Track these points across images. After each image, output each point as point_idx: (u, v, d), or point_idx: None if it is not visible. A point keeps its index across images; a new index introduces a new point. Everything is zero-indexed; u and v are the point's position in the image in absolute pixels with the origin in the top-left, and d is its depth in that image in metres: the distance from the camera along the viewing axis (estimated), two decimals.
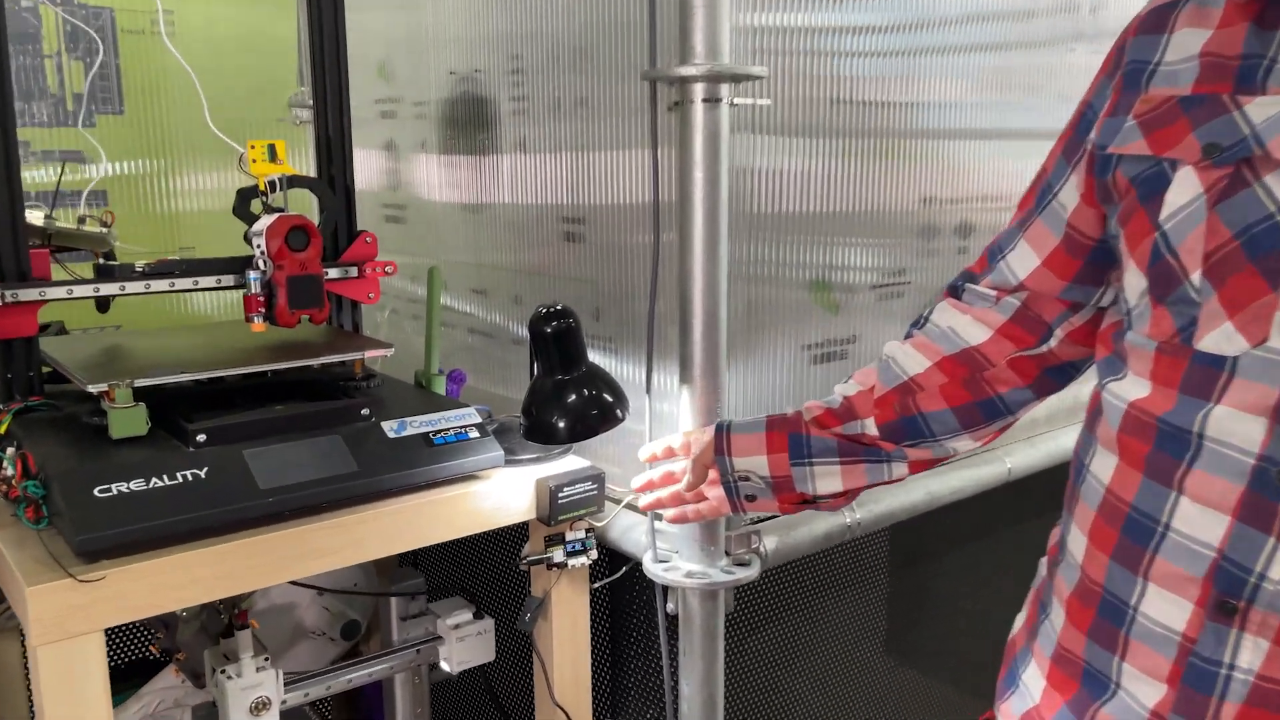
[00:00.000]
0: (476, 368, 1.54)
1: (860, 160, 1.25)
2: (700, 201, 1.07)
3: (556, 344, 1.08)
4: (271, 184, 1.28)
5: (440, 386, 1.31)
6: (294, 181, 1.30)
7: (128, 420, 1.05)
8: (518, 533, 1.40)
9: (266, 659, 1.22)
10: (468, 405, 1.21)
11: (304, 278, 1.23)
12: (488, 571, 1.55)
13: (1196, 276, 0.67)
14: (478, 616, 1.36)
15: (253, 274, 1.22)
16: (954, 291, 0.94)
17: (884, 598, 1.55)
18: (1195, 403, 0.67)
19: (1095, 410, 0.78)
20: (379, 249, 1.37)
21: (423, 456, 1.12)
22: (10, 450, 1.04)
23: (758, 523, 1.22)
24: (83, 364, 1.14)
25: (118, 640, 1.62)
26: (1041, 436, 1.56)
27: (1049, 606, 0.82)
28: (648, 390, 1.13)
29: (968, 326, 0.90)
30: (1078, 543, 0.78)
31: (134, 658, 1.61)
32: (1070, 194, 0.81)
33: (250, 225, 1.26)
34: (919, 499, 1.37)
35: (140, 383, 1.07)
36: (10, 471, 1.01)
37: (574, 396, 1.09)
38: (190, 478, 1.00)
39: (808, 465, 0.96)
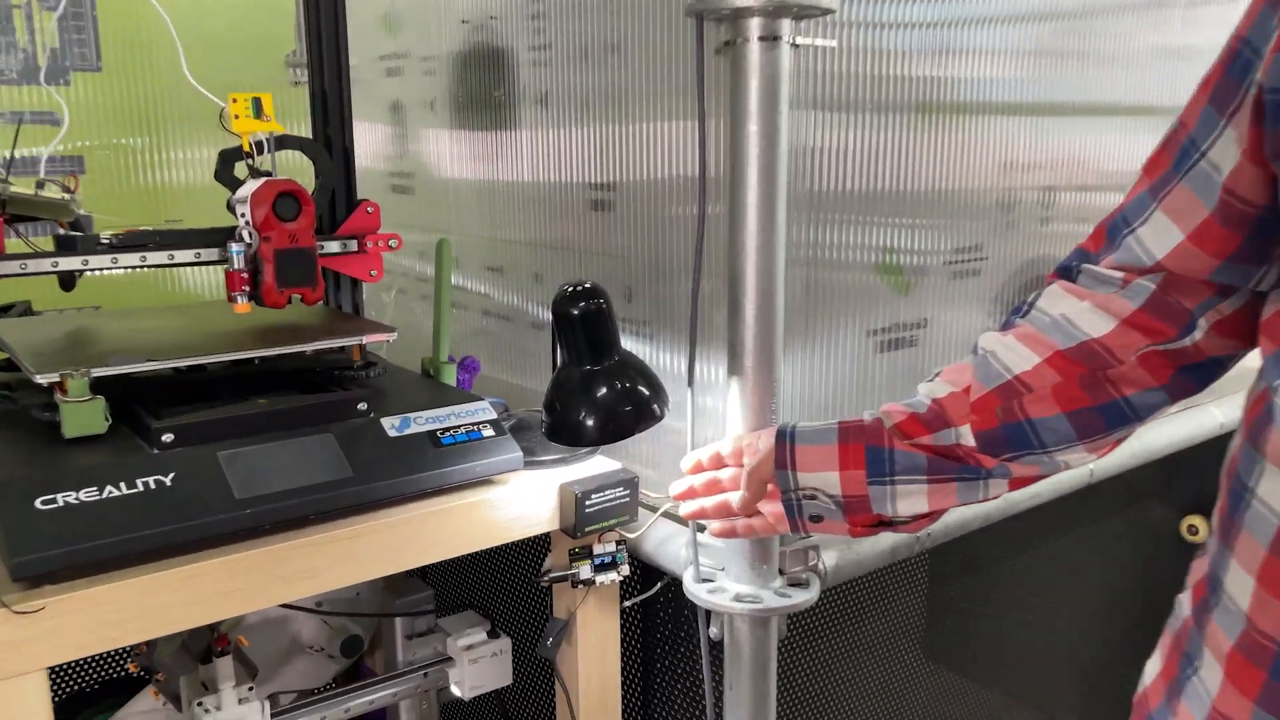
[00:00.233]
0: (492, 355, 1.39)
1: (928, 133, 1.08)
2: (754, 159, 0.90)
3: (584, 328, 0.92)
4: (258, 144, 1.12)
5: (450, 376, 1.15)
6: (284, 142, 1.14)
7: (82, 416, 0.89)
8: (538, 544, 1.25)
9: (251, 688, 1.07)
10: (481, 398, 1.05)
11: (294, 251, 1.07)
12: (504, 584, 1.40)
13: None
14: (493, 635, 1.21)
15: (235, 247, 1.07)
16: (1066, 273, 0.77)
17: (924, 608, 1.40)
18: None
19: (1262, 418, 0.62)
20: (383, 221, 1.21)
21: (429, 459, 0.96)
22: None
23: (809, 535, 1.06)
24: (37, 349, 0.99)
25: (92, 656, 1.48)
26: None
27: (1197, 659, 0.66)
28: (690, 382, 0.97)
29: (1086, 315, 0.74)
30: (1240, 585, 0.62)
31: (110, 675, 1.47)
32: (1226, 151, 0.64)
33: (234, 192, 1.10)
34: (994, 506, 1.20)
35: (99, 372, 0.91)
36: None
37: (605, 390, 0.93)
38: (152, 485, 0.84)
39: (889, 484, 0.81)
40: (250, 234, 1.07)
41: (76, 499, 0.81)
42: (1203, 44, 1.35)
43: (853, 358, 1.07)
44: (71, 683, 1.46)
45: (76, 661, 1.42)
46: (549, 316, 0.98)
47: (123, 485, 0.83)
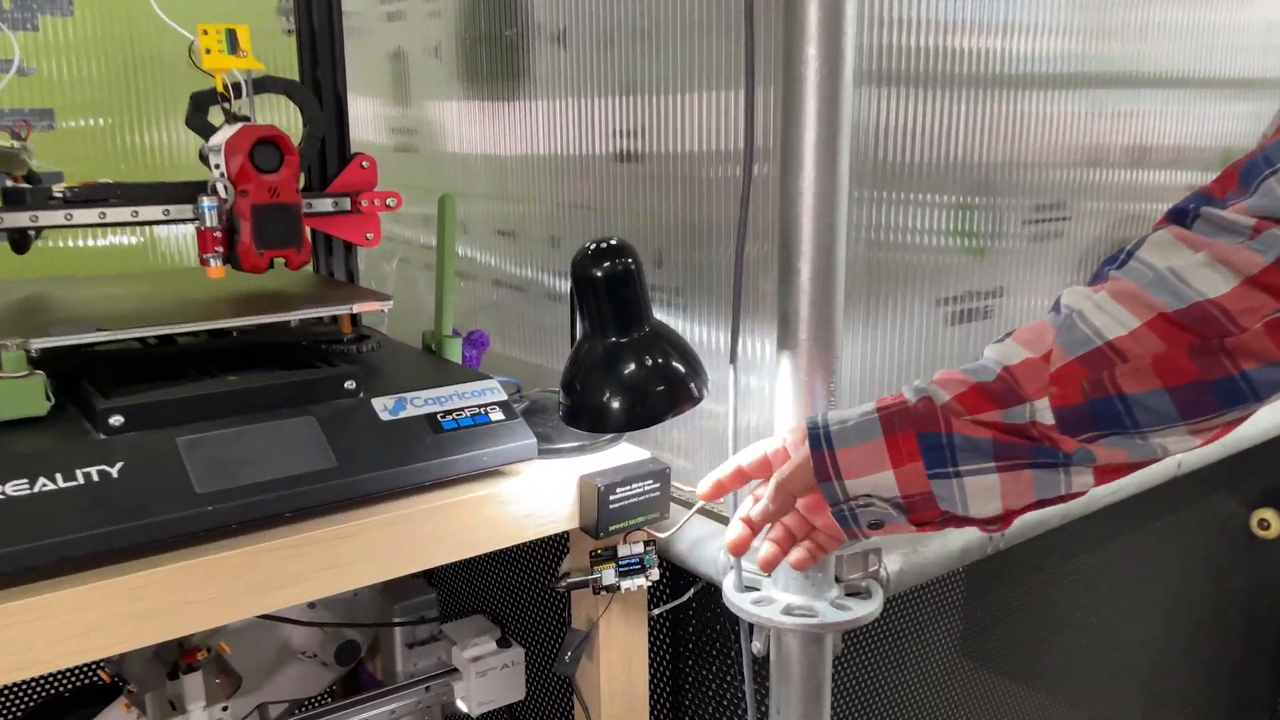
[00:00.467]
0: (503, 330, 1.25)
1: (1007, 104, 0.94)
2: (812, 89, 0.75)
3: (609, 293, 0.77)
4: (235, 86, 0.98)
5: (455, 352, 1.01)
6: (264, 84, 1.00)
7: (18, 395, 0.76)
8: (555, 544, 1.11)
9: (225, 707, 0.94)
10: (490, 377, 0.91)
11: (275, 207, 0.93)
12: (517, 587, 1.26)
13: None
14: (503, 644, 1.07)
15: (207, 202, 0.93)
16: (1179, 217, 0.63)
17: (980, 613, 1.26)
18: None
19: None
20: (382, 181, 1.07)
21: (427, 446, 0.83)
22: None
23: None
24: None
25: None
26: None
27: None
28: (732, 359, 0.83)
29: (1201, 270, 0.59)
30: None
31: (82, 682, 1.34)
32: None
33: (207, 140, 0.97)
34: (1072, 503, 1.05)
35: (40, 343, 0.78)
36: None
37: (633, 366, 0.79)
38: (95, 477, 0.71)
39: (954, 478, 0.66)
40: (225, 187, 0.93)
41: (4, 493, 0.68)
42: None
43: (921, 330, 0.92)
44: (42, 689, 1.34)
45: None
46: (567, 285, 0.84)
47: (59, 477, 0.70)
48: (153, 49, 1.40)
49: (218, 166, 0.94)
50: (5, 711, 1.37)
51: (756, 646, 0.89)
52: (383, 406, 0.84)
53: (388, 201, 1.08)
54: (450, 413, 0.86)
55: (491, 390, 0.89)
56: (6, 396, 0.75)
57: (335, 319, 0.98)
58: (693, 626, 1.02)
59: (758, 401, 0.91)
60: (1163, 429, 0.62)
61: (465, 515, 0.83)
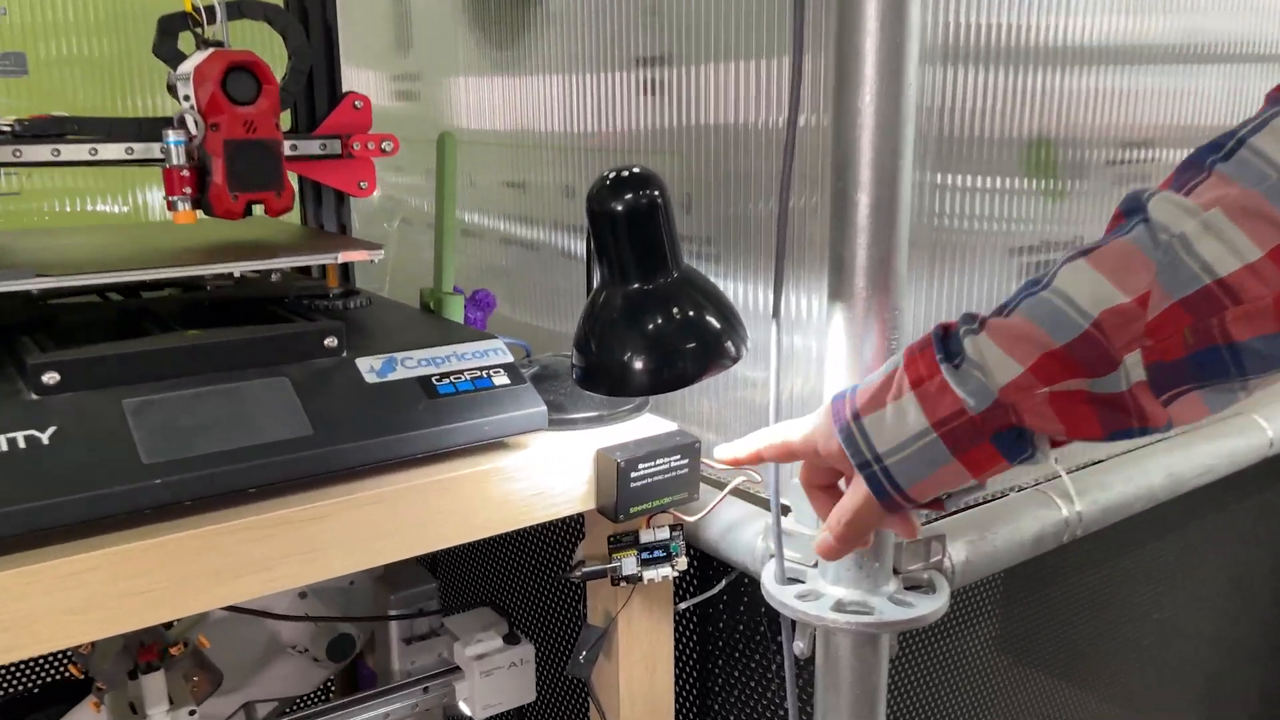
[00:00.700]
0: (513, 293, 1.13)
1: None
2: None
3: (632, 231, 0.65)
4: (208, 9, 0.86)
5: (456, 311, 0.89)
6: (242, 8, 0.88)
7: None
8: (569, 528, 1.00)
9: (193, 711, 0.83)
10: (495, 337, 0.79)
11: (251, 144, 0.82)
12: (526, 576, 1.15)
13: None
14: (511, 640, 0.96)
15: (173, 137, 0.81)
16: None
17: (1039, 611, 1.13)
18: None
19: None
20: (384, 130, 0.96)
21: (419, 413, 0.71)
22: None
23: (932, 520, 0.80)
24: None
25: (29, 660, 1.25)
26: None
27: None
28: (775, 311, 0.70)
29: None
30: None
31: (52, 678, 1.24)
32: None
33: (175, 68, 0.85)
34: (1158, 483, 0.93)
35: None
36: None
37: (659, 319, 0.66)
38: (22, 444, 0.60)
39: (1035, 454, 0.54)
40: (194, 121, 0.82)
41: None
42: None
43: (991, 283, 0.80)
44: (7, 685, 1.24)
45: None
46: (583, 243, 0.73)
47: None
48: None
49: (186, 98, 0.83)
50: None
51: (799, 647, 0.77)
52: (368, 367, 0.73)
53: (383, 146, 0.97)
54: (447, 375, 0.74)
55: (496, 351, 0.78)
56: None
57: (321, 273, 0.86)
58: (724, 623, 0.91)
59: (802, 364, 0.78)
60: (1270, 374, 0.49)
61: (464, 493, 0.72)
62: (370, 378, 0.72)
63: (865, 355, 0.69)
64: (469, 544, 1.27)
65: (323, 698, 1.34)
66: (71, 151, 0.83)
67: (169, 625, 1.04)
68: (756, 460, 0.63)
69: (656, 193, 0.65)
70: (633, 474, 0.76)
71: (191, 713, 0.82)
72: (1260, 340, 0.47)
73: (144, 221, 1.29)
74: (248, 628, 1.04)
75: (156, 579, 0.61)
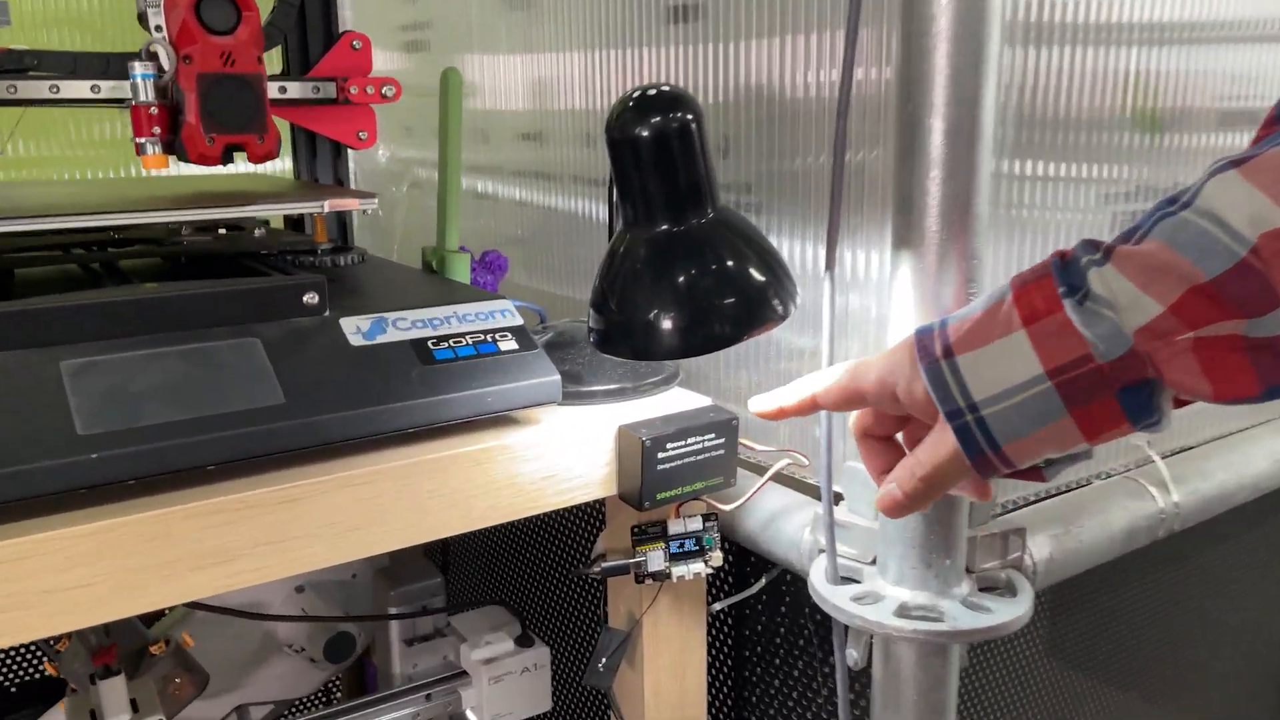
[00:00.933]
0: (528, 259, 1.03)
1: None
2: None
3: (660, 162, 0.55)
4: None
5: (461, 270, 0.79)
6: None
7: None
8: (586, 516, 0.90)
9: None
10: (502, 297, 0.69)
11: (228, 79, 0.73)
12: (542, 568, 1.05)
13: None
14: (524, 643, 0.86)
15: (140, 69, 0.72)
16: None
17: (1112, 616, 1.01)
18: None
19: None
20: (391, 80, 0.86)
21: (412, 381, 0.61)
22: None
23: (1010, 510, 0.69)
24: None
25: (5, 657, 1.16)
26: None
27: None
28: (828, 264, 0.60)
29: None
30: None
31: (30, 676, 1.15)
32: None
33: None
34: (1263, 469, 0.81)
35: None
36: None
37: (692, 269, 0.56)
38: None
39: (1158, 424, 0.43)
40: (165, 53, 0.72)
41: None
42: None
43: (1079, 232, 0.68)
44: None
45: None
46: (601, 204, 0.63)
47: None
48: None
49: (158, 28, 0.73)
50: None
51: (853, 657, 0.66)
52: (354, 328, 0.63)
53: (384, 90, 0.87)
54: (445, 339, 0.64)
55: (504, 313, 0.68)
56: None
57: (309, 225, 0.77)
58: (764, 626, 0.80)
59: (859, 328, 0.68)
60: None
61: (463, 475, 0.62)
62: (356, 340, 0.62)
63: (938, 314, 0.58)
64: (478, 535, 1.18)
65: (323, 701, 1.25)
66: (29, 89, 0.74)
67: (150, 622, 0.96)
68: (810, 408, 0.52)
69: (689, 116, 0.55)
70: (660, 454, 0.65)
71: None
72: None
73: (135, 177, 1.20)
74: (239, 623, 0.95)
75: (93, 572, 0.51)
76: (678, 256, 0.56)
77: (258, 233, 0.78)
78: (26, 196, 0.79)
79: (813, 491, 0.72)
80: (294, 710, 1.09)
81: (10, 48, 0.75)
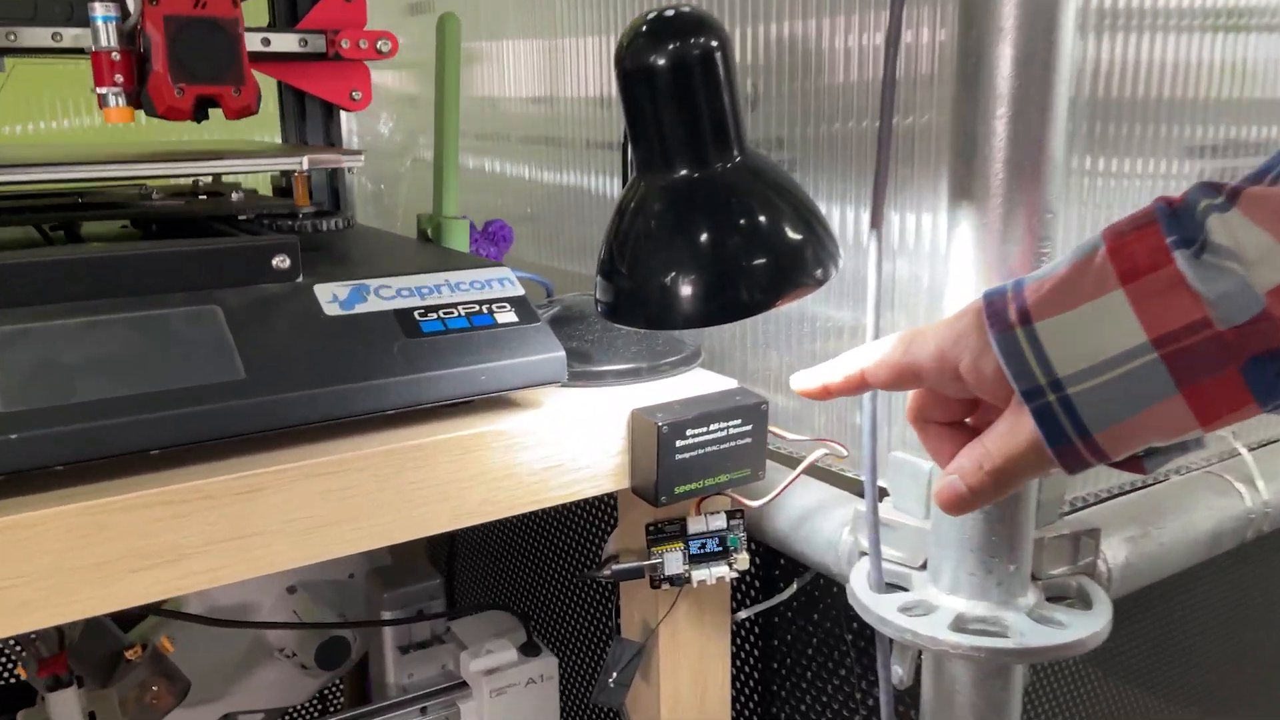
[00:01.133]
0: (536, 235, 0.95)
1: None
2: None
3: (678, 96, 0.47)
4: None
5: (459, 238, 0.72)
6: None
7: None
8: (596, 512, 0.82)
9: None
10: (500, 264, 0.61)
11: (199, 22, 0.65)
12: (549, 570, 0.98)
13: None
14: (530, 651, 0.78)
15: (100, 11, 0.65)
16: None
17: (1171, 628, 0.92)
18: None
19: None
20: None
21: (395, 356, 0.53)
22: None
23: (1080, 509, 0.60)
24: None
25: None
26: None
27: None
28: (874, 221, 0.51)
29: None
30: None
31: (4, 680, 1.09)
32: None
33: None
34: None
35: None
36: None
37: (715, 222, 0.48)
38: None
39: None
40: None
41: None
42: None
43: (1159, 189, 0.60)
44: None
45: None
46: (617, 178, 0.55)
47: None
48: None
49: None
50: None
51: (898, 674, 0.58)
52: (330, 296, 0.55)
53: (379, 45, 0.79)
54: (435, 310, 0.56)
55: (502, 282, 0.60)
56: None
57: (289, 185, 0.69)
58: (794, 637, 0.72)
59: (907, 300, 0.59)
60: None
61: (453, 464, 0.54)
62: (332, 309, 0.54)
63: (1004, 279, 0.49)
64: (480, 532, 1.10)
65: (318, 710, 1.18)
66: None
67: (127, 625, 0.89)
68: (858, 386, 0.43)
69: (713, 41, 0.47)
70: (678, 442, 0.57)
71: None
72: None
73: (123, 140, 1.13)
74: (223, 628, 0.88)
75: (12, 573, 0.44)
76: (699, 207, 0.48)
77: (235, 196, 0.71)
78: None
79: (852, 486, 0.64)
80: (286, 718, 1.02)
81: None
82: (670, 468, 0.58)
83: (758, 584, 0.73)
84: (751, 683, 0.77)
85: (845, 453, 0.61)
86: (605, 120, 0.83)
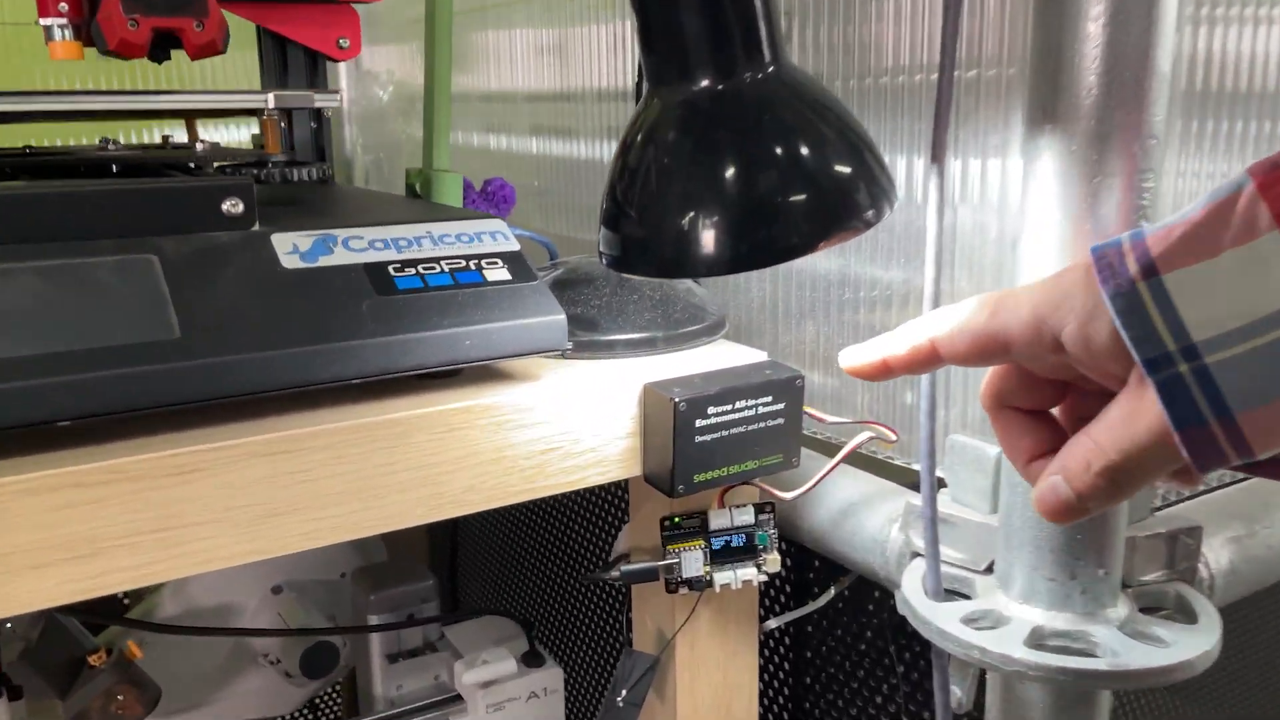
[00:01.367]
0: (542, 201, 0.87)
1: None
2: None
3: None
4: None
5: (450, 193, 0.63)
6: None
7: None
8: (605, 503, 0.74)
9: None
10: (492, 216, 0.53)
11: None
12: (553, 569, 0.89)
13: None
14: (532, 661, 0.70)
15: None
16: None
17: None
18: None
19: None
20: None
21: (364, 316, 0.45)
22: None
23: (1175, 503, 0.51)
24: None
25: None
26: None
27: None
28: (935, 155, 0.43)
29: None
30: None
31: None
32: None
33: None
34: None
35: None
36: None
37: (744, 146, 0.39)
38: None
39: None
40: None
41: None
42: None
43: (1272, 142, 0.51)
44: None
45: None
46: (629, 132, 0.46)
47: None
48: None
49: None
50: None
51: (957, 696, 0.49)
52: (290, 246, 0.47)
53: None
54: (413, 264, 0.48)
55: (495, 235, 0.51)
56: None
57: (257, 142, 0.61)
58: (832, 650, 0.63)
59: (972, 255, 0.50)
60: None
61: (431, 443, 0.45)
62: (290, 261, 0.46)
63: (1098, 227, 0.41)
64: (478, 527, 1.02)
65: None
66: None
67: (96, 629, 0.81)
68: (928, 361, 0.35)
69: None
70: (698, 422, 0.49)
71: None
72: None
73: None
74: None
75: None
76: (723, 127, 0.39)
77: (199, 146, 0.63)
78: None
79: (902, 476, 0.55)
80: None
81: None
82: (689, 452, 0.49)
83: (789, 588, 0.64)
84: (781, 699, 0.68)
85: (894, 437, 0.52)
86: (621, 71, 0.75)
